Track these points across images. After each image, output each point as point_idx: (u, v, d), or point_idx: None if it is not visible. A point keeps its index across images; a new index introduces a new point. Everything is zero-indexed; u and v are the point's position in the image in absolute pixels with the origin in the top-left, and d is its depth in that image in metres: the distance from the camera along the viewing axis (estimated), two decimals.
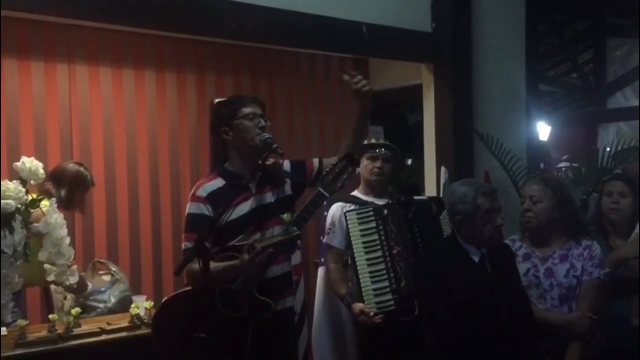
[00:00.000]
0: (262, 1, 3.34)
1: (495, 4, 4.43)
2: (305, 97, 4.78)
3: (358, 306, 2.97)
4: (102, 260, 3.38)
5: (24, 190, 2.47)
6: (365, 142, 3.24)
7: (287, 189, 2.50)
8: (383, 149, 3.22)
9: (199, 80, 4.34)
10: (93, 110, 3.97)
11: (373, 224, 3.03)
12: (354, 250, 3.02)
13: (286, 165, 2.55)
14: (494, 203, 2.54)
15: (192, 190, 2.46)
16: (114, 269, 3.32)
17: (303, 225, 2.31)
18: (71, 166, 3.21)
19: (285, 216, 2.35)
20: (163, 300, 2.50)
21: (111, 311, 3.12)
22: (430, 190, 4.15)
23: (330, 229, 3.22)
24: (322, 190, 2.32)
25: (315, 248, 4.30)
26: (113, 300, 3.17)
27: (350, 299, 3.04)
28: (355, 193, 3.31)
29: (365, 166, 3.22)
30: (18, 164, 2.55)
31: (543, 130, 7.40)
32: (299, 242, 3.71)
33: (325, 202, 2.80)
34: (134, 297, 2.92)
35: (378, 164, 3.19)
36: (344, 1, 3.68)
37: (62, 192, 3.06)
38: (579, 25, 8.04)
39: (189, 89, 4.30)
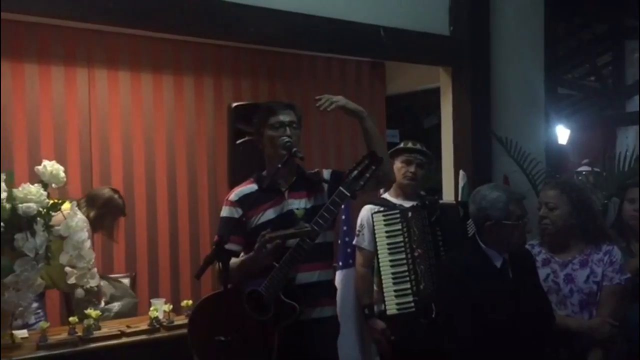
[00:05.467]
0: (280, 5, 3.35)
1: (514, 7, 4.41)
2: None
3: (381, 324, 3.07)
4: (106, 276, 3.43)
5: (45, 193, 2.48)
6: (402, 144, 3.25)
7: (324, 197, 2.48)
8: (418, 154, 3.21)
9: (217, 84, 4.36)
10: (112, 114, 4.01)
11: (399, 226, 3.04)
12: (379, 251, 3.04)
13: (326, 174, 2.55)
14: (523, 210, 2.51)
15: (227, 195, 2.52)
16: (111, 283, 3.36)
17: (324, 225, 2.29)
18: (106, 191, 3.29)
19: (298, 211, 2.36)
20: (199, 300, 2.52)
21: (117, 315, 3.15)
22: (448, 194, 4.13)
23: (359, 230, 3.25)
24: (343, 189, 2.29)
25: (334, 252, 4.29)
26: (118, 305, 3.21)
27: (370, 311, 3.11)
28: (386, 196, 3.31)
29: (399, 169, 3.21)
30: (39, 167, 2.57)
31: (562, 133, 7.34)
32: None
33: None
34: (152, 300, 2.93)
35: (412, 168, 3.19)
36: (361, 5, 3.69)
37: (92, 214, 3.15)
38: (597, 28, 7.96)
39: (206, 93, 4.33)
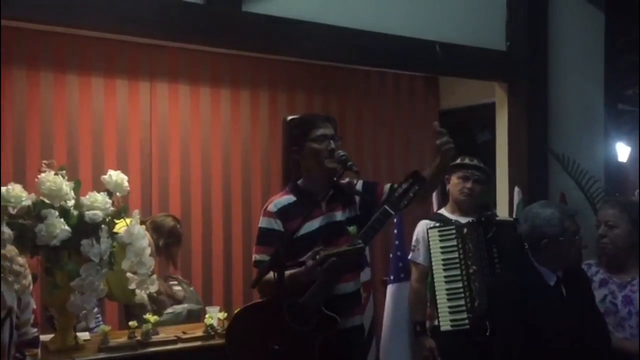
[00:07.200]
0: (336, 21, 3.40)
1: (573, 21, 4.34)
2: (375, 116, 4.81)
3: (430, 343, 3.10)
4: (173, 276, 3.51)
5: (110, 201, 2.59)
6: (459, 160, 3.22)
7: (357, 208, 2.52)
8: (475, 170, 3.19)
9: (272, 98, 4.45)
10: (171, 126, 4.15)
11: (454, 242, 3.03)
12: (433, 267, 3.05)
13: (358, 185, 2.57)
14: (577, 225, 2.50)
15: (265, 205, 2.54)
16: (182, 286, 3.45)
17: (368, 242, 2.31)
18: (169, 220, 3.45)
19: (352, 228, 2.38)
20: (235, 311, 2.56)
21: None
22: (502, 210, 4.07)
23: (415, 246, 3.25)
24: (387, 207, 2.30)
25: (383, 266, 4.30)
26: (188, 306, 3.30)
27: (422, 328, 3.14)
28: (442, 211, 3.31)
29: (455, 185, 3.19)
30: (105, 176, 2.67)
31: (622, 151, 7.09)
32: (367, 258, 3.74)
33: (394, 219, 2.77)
34: (207, 308, 3.00)
35: (469, 184, 3.17)
36: (417, 20, 3.70)
37: (161, 242, 3.33)
38: None
39: (262, 107, 4.42)
